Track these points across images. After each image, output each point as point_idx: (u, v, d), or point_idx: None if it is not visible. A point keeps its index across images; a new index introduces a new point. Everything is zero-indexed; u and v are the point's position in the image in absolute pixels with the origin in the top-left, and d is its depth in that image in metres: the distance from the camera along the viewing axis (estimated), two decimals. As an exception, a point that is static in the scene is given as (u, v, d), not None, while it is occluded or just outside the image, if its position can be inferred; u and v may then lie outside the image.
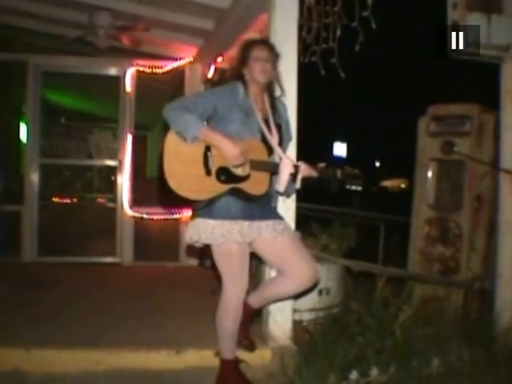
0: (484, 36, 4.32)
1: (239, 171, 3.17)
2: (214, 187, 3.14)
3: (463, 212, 4.86)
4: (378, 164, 32.75)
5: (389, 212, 7.58)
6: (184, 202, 3.20)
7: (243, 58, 3.36)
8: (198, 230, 3.22)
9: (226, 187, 3.16)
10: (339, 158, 33.00)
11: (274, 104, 3.49)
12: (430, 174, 5.08)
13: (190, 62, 7.07)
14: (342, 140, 33.68)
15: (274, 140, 3.33)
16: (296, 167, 3.30)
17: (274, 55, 3.43)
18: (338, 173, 3.38)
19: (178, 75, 7.22)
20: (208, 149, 3.13)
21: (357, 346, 3.92)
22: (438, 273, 4.96)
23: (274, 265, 3.56)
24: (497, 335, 4.26)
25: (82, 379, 3.63)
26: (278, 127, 3.42)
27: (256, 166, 3.21)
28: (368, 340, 4.00)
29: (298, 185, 3.35)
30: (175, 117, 3.11)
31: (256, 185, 3.24)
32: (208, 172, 3.13)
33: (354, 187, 3.23)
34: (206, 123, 3.20)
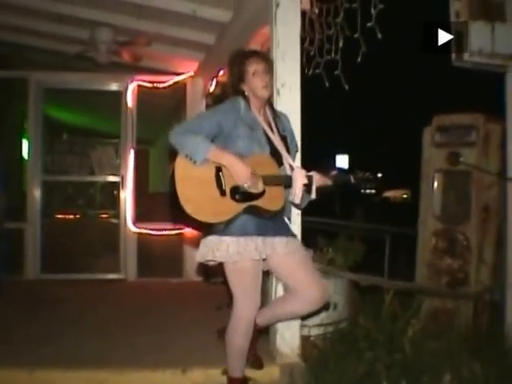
0: (488, 45, 4.28)
1: (253, 188, 3.12)
2: (230, 207, 3.09)
3: (471, 223, 4.80)
4: (380, 175, 32.66)
5: (393, 224, 7.53)
6: (203, 226, 3.13)
7: (239, 74, 3.29)
8: (212, 248, 3.15)
9: (242, 206, 3.11)
10: (342, 170, 32.95)
11: (277, 116, 3.45)
12: (435, 185, 5.02)
13: (192, 77, 7.07)
14: (344, 152, 33.66)
15: (283, 149, 3.29)
16: (309, 177, 3.25)
17: (270, 64, 3.39)
18: (351, 178, 3.33)
19: (179, 89, 7.21)
20: (219, 169, 3.08)
21: (366, 362, 3.86)
22: (447, 285, 4.89)
23: (286, 283, 3.50)
24: (509, 349, 4.19)
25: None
26: (284, 139, 3.37)
27: (269, 181, 3.16)
28: (377, 355, 3.94)
29: (313, 195, 3.30)
30: (182, 141, 3.07)
31: (272, 200, 3.19)
32: (223, 193, 3.07)
33: (368, 191, 3.18)
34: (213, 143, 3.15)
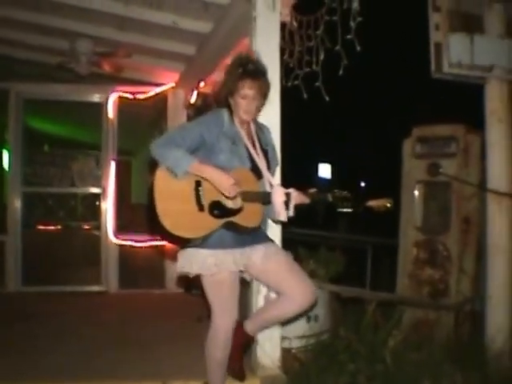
0: (467, 56, 4.31)
1: (231, 204, 3.11)
2: (208, 223, 3.08)
3: (451, 234, 4.82)
4: (363, 184, 32.82)
5: (376, 234, 7.54)
6: (179, 241, 3.12)
7: (231, 88, 3.24)
8: (190, 260, 3.14)
9: (220, 222, 3.10)
10: (324, 180, 33.05)
11: (259, 130, 3.44)
12: (416, 196, 5.04)
13: (173, 88, 7.06)
14: (326, 161, 33.74)
15: (263, 166, 3.29)
16: (288, 195, 3.25)
17: (264, 89, 3.32)
18: (329, 197, 3.33)
19: (160, 100, 7.19)
20: (198, 184, 3.07)
21: (347, 374, 3.86)
22: (428, 296, 4.90)
23: (273, 288, 3.49)
24: (489, 359, 4.20)
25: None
26: (265, 153, 3.37)
27: (248, 197, 3.15)
28: (358, 367, 3.94)
29: (291, 212, 3.29)
30: (164, 154, 3.05)
31: (249, 217, 3.19)
32: (201, 208, 3.06)
33: (344, 210, 3.21)
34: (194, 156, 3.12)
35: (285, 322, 3.76)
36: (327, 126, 25.22)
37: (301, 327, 4.32)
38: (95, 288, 7.01)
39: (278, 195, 3.21)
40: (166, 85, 7.05)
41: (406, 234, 5.12)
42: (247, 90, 3.22)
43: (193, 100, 6.64)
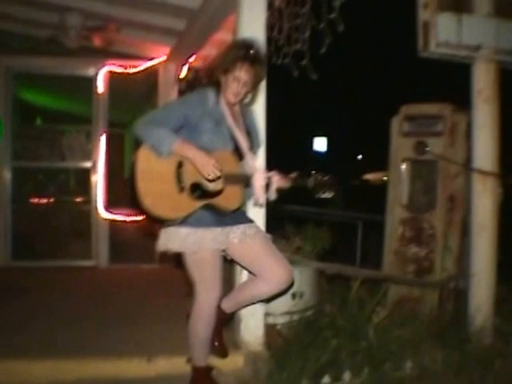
0: (455, 36, 4.30)
1: (212, 186, 3.13)
2: (187, 204, 3.11)
3: (436, 212, 4.85)
4: (360, 157, 32.79)
5: (371, 210, 7.54)
6: (158, 221, 3.15)
7: (225, 66, 3.24)
8: (171, 239, 3.19)
9: (199, 204, 3.14)
10: (319, 153, 32.98)
11: (244, 110, 3.44)
12: (403, 174, 5.06)
13: (164, 62, 7.02)
14: (323, 134, 33.59)
15: (245, 148, 3.30)
16: (268, 178, 3.28)
17: (257, 78, 3.32)
18: (310, 182, 3.33)
19: (151, 74, 7.15)
20: (180, 165, 3.10)
21: (330, 350, 3.91)
22: (413, 273, 4.94)
23: (249, 269, 3.53)
24: (471, 336, 4.26)
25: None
26: (248, 135, 3.38)
27: (228, 179, 3.18)
28: (342, 343, 3.99)
29: (272, 196, 3.33)
30: (148, 133, 3.07)
31: (229, 199, 3.22)
32: (181, 189, 3.10)
33: (325, 195, 3.18)
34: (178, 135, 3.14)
35: (269, 299, 3.80)
36: (323, 100, 25.14)
37: (286, 304, 4.35)
38: (85, 262, 7.03)
39: (259, 178, 3.24)
40: (156, 59, 7.01)
41: (393, 211, 5.14)
42: (243, 73, 3.23)
43: (183, 74, 6.62)
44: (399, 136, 5.07)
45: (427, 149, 4.79)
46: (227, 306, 3.54)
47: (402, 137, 5.05)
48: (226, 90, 3.27)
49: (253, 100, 3.52)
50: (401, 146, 5.07)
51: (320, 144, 34.06)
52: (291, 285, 3.53)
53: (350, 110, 26.16)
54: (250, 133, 3.42)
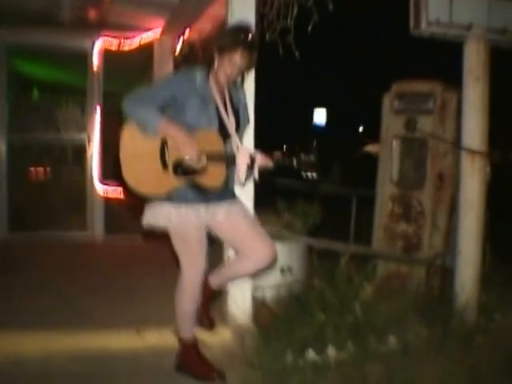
0: (446, 15, 4.29)
1: (195, 164, 3.17)
2: (171, 182, 3.16)
3: (425, 190, 4.89)
4: (361, 129, 32.51)
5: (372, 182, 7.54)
6: (142, 197, 3.20)
7: (222, 48, 3.27)
8: (155, 215, 3.25)
9: (182, 181, 3.18)
10: (319, 127, 32.83)
11: (232, 90, 3.47)
12: (393, 151, 5.09)
13: (159, 36, 6.99)
14: (322, 106, 33.34)
15: (231, 127, 3.33)
16: (252, 158, 3.32)
17: (249, 65, 3.36)
18: (294, 162, 3.36)
19: (147, 47, 7.12)
20: (165, 142, 3.14)
21: (316, 324, 3.97)
22: (401, 249, 5.00)
23: (232, 246, 3.60)
24: (455, 312, 4.33)
25: (44, 361, 3.62)
26: (236, 112, 3.41)
27: (213, 158, 3.21)
28: (328, 318, 4.05)
29: (255, 176, 3.38)
30: (134, 111, 3.10)
31: (213, 177, 3.25)
32: (165, 166, 3.14)
33: (309, 174, 3.22)
34: (164, 113, 3.18)
35: (257, 274, 3.86)
36: (323, 72, 25.01)
37: (274, 278, 4.43)
38: (80, 234, 7.09)
39: (243, 158, 3.28)
40: (151, 31, 6.98)
41: (383, 188, 5.19)
42: (238, 57, 3.26)
43: (178, 48, 6.61)
44: (390, 113, 5.10)
45: (417, 126, 4.82)
46: (214, 282, 3.60)
47: (393, 114, 5.07)
48: (218, 70, 3.31)
49: (242, 81, 3.54)
50: (392, 123, 5.10)
51: (320, 117, 33.86)
52: (275, 261, 3.59)
53: (351, 82, 25.99)
54: (238, 112, 3.45)
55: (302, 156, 3.33)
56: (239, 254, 3.51)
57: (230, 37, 3.29)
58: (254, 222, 3.49)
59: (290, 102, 26.10)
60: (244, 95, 3.56)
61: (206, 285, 3.52)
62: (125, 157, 3.07)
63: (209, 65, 3.32)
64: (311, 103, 32.15)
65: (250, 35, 3.29)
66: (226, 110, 3.34)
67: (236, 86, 3.51)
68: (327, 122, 33.55)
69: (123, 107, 3.13)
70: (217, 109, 3.29)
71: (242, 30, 3.32)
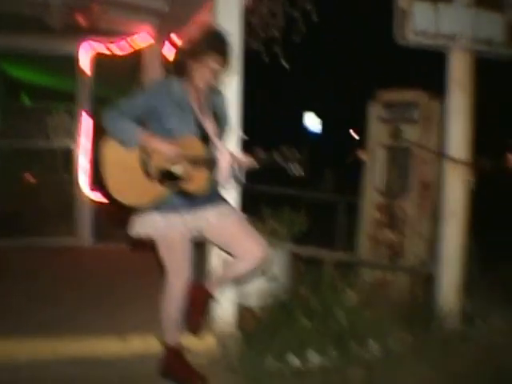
0: (432, 25, 4.35)
1: (179, 171, 3.20)
2: (156, 191, 3.22)
3: (410, 198, 4.95)
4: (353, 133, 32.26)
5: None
6: (131, 209, 3.26)
7: (197, 53, 3.30)
8: (142, 224, 3.30)
9: (168, 189, 3.24)
10: (311, 133, 32.76)
11: (211, 95, 3.50)
12: (378, 159, 5.13)
13: (149, 42, 7.02)
14: (314, 112, 33.29)
15: (211, 131, 3.37)
16: (235, 159, 3.35)
17: (226, 65, 3.38)
18: (277, 157, 3.38)
19: (137, 54, 7.14)
20: (145, 152, 3.19)
21: (300, 330, 4.01)
22: (386, 257, 5.04)
23: (225, 248, 3.61)
24: (437, 319, 4.38)
25: (31, 367, 3.64)
26: (216, 119, 3.45)
27: (195, 163, 3.25)
28: (312, 324, 4.09)
29: (240, 176, 3.41)
30: (113, 125, 3.16)
31: (197, 182, 3.29)
32: (149, 176, 3.20)
33: (294, 171, 3.23)
34: (144, 125, 3.24)
35: (243, 281, 3.89)
36: (316, 76, 25.07)
37: (260, 286, 4.45)
38: (68, 241, 7.06)
39: (225, 160, 3.31)
40: (141, 38, 7.00)
41: (368, 196, 5.24)
42: (215, 63, 3.30)
43: (167, 53, 6.63)
44: (376, 121, 5.15)
45: (402, 135, 4.87)
46: (212, 286, 3.60)
47: (379, 122, 5.12)
48: (194, 76, 3.34)
49: (221, 84, 3.58)
50: (377, 132, 5.15)
51: (312, 121, 33.77)
52: (268, 260, 3.61)
53: (344, 87, 26.05)
54: (218, 117, 3.48)
55: (285, 150, 3.33)
56: (233, 256, 3.51)
57: (203, 42, 3.32)
58: (245, 223, 3.51)
59: (281, 106, 26.16)
60: (223, 100, 3.59)
61: (201, 290, 3.54)
62: (107, 169, 3.13)
63: (184, 72, 3.35)
64: (302, 108, 32.18)
65: (223, 40, 3.34)
66: (204, 114, 3.38)
67: (215, 91, 3.55)
68: (319, 127, 33.52)
69: (102, 121, 3.18)
70: (195, 114, 3.34)
71: (214, 35, 3.37)
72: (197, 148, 3.29)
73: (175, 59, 3.44)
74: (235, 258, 3.48)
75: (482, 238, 5.25)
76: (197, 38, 3.38)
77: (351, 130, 31.63)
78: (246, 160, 3.41)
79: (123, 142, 3.14)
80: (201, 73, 3.31)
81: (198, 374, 3.49)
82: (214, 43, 3.31)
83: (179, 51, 3.48)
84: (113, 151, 3.15)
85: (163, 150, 3.17)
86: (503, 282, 5.08)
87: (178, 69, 3.36)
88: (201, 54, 3.28)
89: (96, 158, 3.13)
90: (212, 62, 3.29)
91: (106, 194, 3.12)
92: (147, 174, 3.18)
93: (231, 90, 3.89)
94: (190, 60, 3.33)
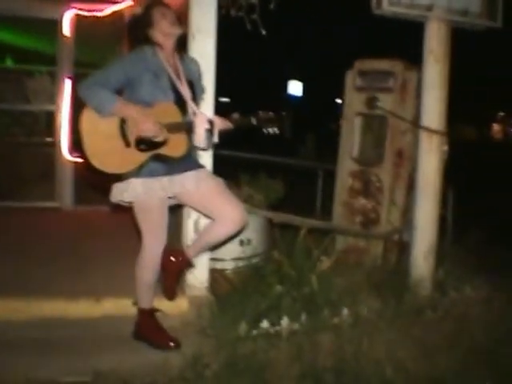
0: (408, -6, 4.35)
1: (157, 137, 3.26)
2: (135, 157, 3.27)
3: (384, 166, 4.99)
4: (339, 101, 32.22)
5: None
6: (112, 177, 3.31)
7: (148, 19, 3.38)
8: (122, 190, 3.35)
9: (147, 155, 3.29)
10: (293, 97, 32.69)
11: (184, 61, 3.55)
12: (354, 127, 5.17)
13: (131, 6, 6.96)
14: (298, 79, 33.19)
15: (187, 96, 3.41)
16: (211, 122, 3.39)
17: (176, 17, 3.47)
18: (253, 120, 3.45)
19: (118, 17, 7.07)
20: (123, 121, 3.24)
21: (272, 296, 4.08)
22: (360, 224, 5.11)
23: (203, 213, 3.68)
24: (409, 286, 4.46)
25: (2, 327, 3.68)
26: (190, 84, 3.49)
27: (172, 128, 3.30)
28: (285, 290, 4.16)
29: (215, 139, 3.45)
30: (89, 95, 3.19)
31: (175, 147, 3.35)
32: (127, 144, 3.25)
33: (270, 130, 3.32)
34: (120, 95, 3.29)
35: (217, 245, 3.95)
36: (298, 44, 24.96)
37: (234, 250, 4.51)
38: (49, 204, 7.06)
39: (201, 123, 3.36)
40: (123, 2, 6.94)
41: (343, 163, 5.28)
42: (163, 8, 3.42)
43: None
44: (352, 90, 5.18)
45: (378, 104, 4.90)
46: (190, 252, 3.66)
47: (355, 91, 5.15)
48: (164, 34, 3.39)
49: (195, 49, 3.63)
50: (353, 100, 5.18)
51: (295, 88, 33.69)
52: (246, 224, 3.64)
53: (326, 54, 25.96)
54: (192, 82, 3.53)
55: (261, 113, 3.40)
56: (212, 221, 3.57)
57: (146, 6, 3.45)
58: (223, 187, 3.56)
59: (265, 73, 26.08)
60: (198, 67, 3.65)
61: (177, 255, 3.60)
62: (87, 139, 3.18)
63: (147, 39, 3.40)
64: (286, 75, 32.10)
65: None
66: (180, 80, 3.42)
67: (188, 58, 3.60)
68: (302, 93, 33.45)
69: (78, 92, 3.22)
70: (170, 80, 3.38)
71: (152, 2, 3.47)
72: (174, 113, 3.34)
73: (133, 32, 3.48)
74: (213, 222, 3.54)
75: (459, 207, 5.34)
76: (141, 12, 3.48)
77: (337, 99, 31.53)
78: (222, 122, 3.46)
79: (98, 110, 3.18)
80: (163, 25, 3.37)
81: (170, 337, 3.58)
82: (153, 1, 3.46)
83: (132, 23, 3.53)
84: (92, 120, 3.20)
85: (139, 118, 3.22)
86: (477, 251, 5.17)
87: (142, 37, 3.41)
88: (150, 13, 3.38)
89: (75, 126, 3.19)
90: (162, 9, 3.41)
91: (86, 161, 3.18)
92: (126, 141, 3.22)
93: (206, 53, 3.91)
94: (148, 30, 3.39)
